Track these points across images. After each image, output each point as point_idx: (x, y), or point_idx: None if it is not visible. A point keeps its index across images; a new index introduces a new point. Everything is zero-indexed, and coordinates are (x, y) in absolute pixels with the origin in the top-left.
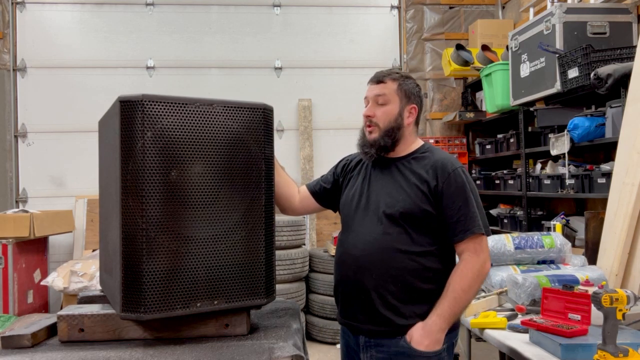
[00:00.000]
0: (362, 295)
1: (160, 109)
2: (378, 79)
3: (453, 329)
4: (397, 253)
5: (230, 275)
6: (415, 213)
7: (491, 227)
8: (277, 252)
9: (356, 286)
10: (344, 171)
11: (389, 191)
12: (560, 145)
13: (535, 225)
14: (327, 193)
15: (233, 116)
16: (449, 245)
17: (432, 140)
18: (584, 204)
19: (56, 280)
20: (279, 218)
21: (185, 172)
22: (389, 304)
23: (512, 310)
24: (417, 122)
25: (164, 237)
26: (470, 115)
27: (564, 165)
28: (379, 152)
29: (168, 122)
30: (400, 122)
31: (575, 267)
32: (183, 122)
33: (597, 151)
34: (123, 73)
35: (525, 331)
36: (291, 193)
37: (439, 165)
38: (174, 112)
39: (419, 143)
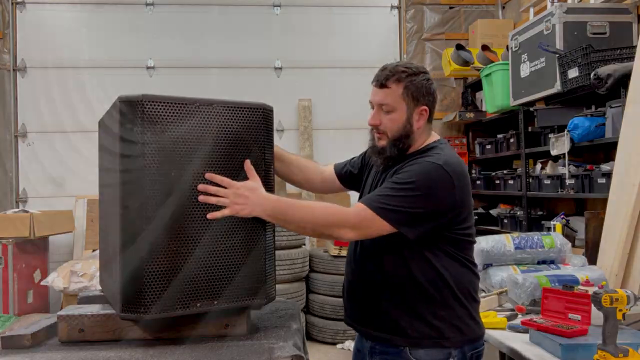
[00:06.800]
0: (360, 300)
1: (160, 108)
2: (381, 83)
3: (472, 340)
4: (388, 261)
5: (230, 276)
6: None
7: (491, 227)
8: (277, 252)
9: (356, 292)
10: (367, 158)
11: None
12: (560, 145)
13: (535, 225)
14: (353, 177)
15: (233, 116)
16: (449, 251)
17: None
18: (584, 204)
19: (56, 280)
20: None
21: (185, 172)
22: (383, 312)
23: (512, 310)
24: (430, 120)
25: (164, 237)
26: (470, 115)
27: (564, 165)
28: (386, 161)
29: (168, 122)
30: (409, 128)
31: (575, 267)
32: (183, 122)
33: (597, 151)
34: (123, 73)
35: (525, 331)
36: (308, 177)
37: (422, 158)
38: (173, 112)
39: (431, 139)
